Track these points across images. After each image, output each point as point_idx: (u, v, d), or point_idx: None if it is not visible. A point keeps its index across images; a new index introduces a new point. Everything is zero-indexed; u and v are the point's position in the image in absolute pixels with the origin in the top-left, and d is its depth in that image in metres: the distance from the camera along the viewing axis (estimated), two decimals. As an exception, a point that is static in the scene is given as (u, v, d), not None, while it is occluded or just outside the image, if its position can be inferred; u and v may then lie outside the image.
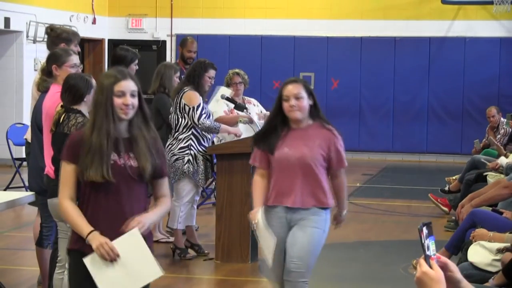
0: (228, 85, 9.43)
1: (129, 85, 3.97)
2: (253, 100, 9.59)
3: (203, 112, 7.79)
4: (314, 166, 5.16)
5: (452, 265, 2.49)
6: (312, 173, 5.15)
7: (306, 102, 5.16)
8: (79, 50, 6.60)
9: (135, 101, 3.96)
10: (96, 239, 3.84)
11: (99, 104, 3.95)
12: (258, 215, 5.13)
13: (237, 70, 9.52)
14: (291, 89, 5.16)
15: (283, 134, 5.18)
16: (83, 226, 3.89)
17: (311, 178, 5.16)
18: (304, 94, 5.16)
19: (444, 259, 2.49)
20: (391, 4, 17.34)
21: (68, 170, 3.96)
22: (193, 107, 7.77)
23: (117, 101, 3.92)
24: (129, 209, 3.94)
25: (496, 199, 7.48)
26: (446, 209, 10.60)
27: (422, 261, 2.45)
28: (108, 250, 3.82)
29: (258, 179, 5.27)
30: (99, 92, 4.00)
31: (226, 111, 9.23)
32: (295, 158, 5.13)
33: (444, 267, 2.46)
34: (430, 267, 2.44)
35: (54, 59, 6.01)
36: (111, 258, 3.81)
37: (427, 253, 2.47)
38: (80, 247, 3.92)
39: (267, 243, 5.13)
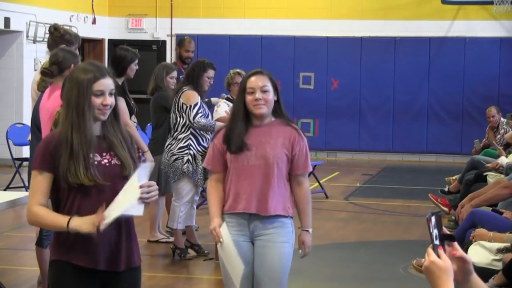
0: (229, 85, 9.43)
1: (109, 84, 3.70)
2: None
3: (200, 111, 7.79)
4: (278, 167, 4.60)
5: (467, 257, 2.51)
6: (274, 174, 4.60)
7: (272, 96, 4.62)
8: (78, 53, 6.64)
9: (113, 100, 3.72)
10: (79, 223, 3.57)
11: (74, 102, 3.67)
12: (223, 234, 4.63)
13: (238, 70, 9.53)
14: (256, 81, 4.62)
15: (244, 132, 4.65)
16: (60, 218, 3.62)
17: (274, 180, 4.60)
18: (270, 87, 4.63)
19: (460, 253, 2.51)
20: (391, 4, 17.35)
21: (40, 180, 3.67)
22: (190, 106, 7.78)
23: (96, 101, 3.67)
24: None
25: (496, 199, 7.48)
26: (446, 209, 10.60)
27: (430, 250, 2.47)
28: (95, 221, 3.56)
29: (214, 184, 4.72)
30: (74, 88, 3.69)
31: (227, 111, 9.23)
32: (256, 158, 4.59)
33: (462, 260, 2.49)
34: (438, 256, 2.46)
35: (72, 59, 6.07)
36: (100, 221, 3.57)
37: (435, 242, 2.47)
38: (69, 258, 3.68)
39: (234, 270, 4.62)
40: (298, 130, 4.70)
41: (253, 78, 4.64)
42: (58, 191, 3.70)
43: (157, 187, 3.74)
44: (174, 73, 8.75)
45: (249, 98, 4.61)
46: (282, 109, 4.71)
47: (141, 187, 3.65)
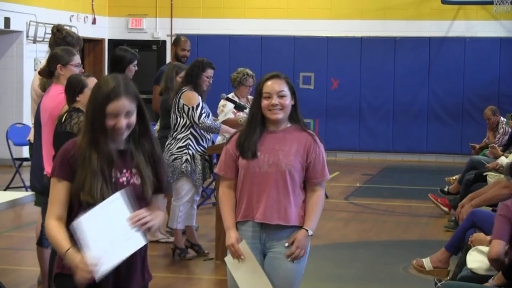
0: (239, 83, 9.34)
1: (124, 105, 3.45)
2: None
3: (203, 111, 7.79)
4: (290, 175, 4.40)
5: None
6: (287, 183, 4.40)
7: (289, 101, 4.48)
8: (75, 53, 6.62)
9: (131, 120, 3.48)
10: (72, 259, 3.38)
11: (89, 119, 3.50)
12: (245, 251, 4.38)
13: (250, 72, 9.44)
14: (273, 85, 4.47)
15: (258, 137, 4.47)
16: (61, 244, 3.43)
17: (287, 189, 4.40)
18: (287, 91, 4.48)
19: None
20: (391, 4, 17.35)
21: (58, 188, 3.49)
22: (193, 107, 7.77)
23: (110, 122, 3.45)
24: None
25: (496, 199, 7.47)
26: (446, 209, 10.60)
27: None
28: (85, 270, 3.33)
29: (226, 191, 4.51)
30: (91, 103, 3.51)
31: (234, 111, 9.20)
32: (268, 165, 4.40)
33: None
34: None
35: (58, 59, 6.03)
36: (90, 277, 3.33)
37: None
38: (72, 272, 3.41)
39: None
40: (314, 136, 4.49)
41: (269, 82, 4.48)
42: (69, 206, 3.51)
43: (146, 213, 3.47)
44: (183, 73, 8.73)
45: (265, 103, 4.44)
46: (298, 114, 4.54)
47: (130, 220, 3.42)
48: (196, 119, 7.75)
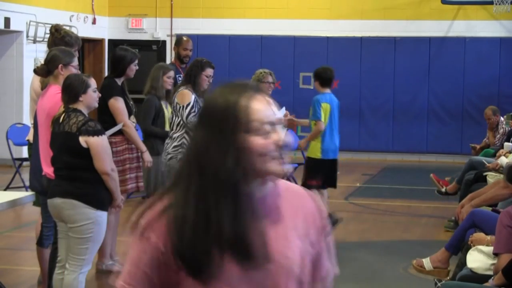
0: (259, 83, 9.37)
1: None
2: None
3: (192, 110, 7.79)
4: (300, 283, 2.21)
5: None
6: None
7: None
8: (78, 55, 6.62)
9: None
10: None
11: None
12: None
13: (267, 70, 9.51)
14: (267, 107, 2.21)
15: None
16: None
17: None
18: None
19: None
20: (391, 4, 17.35)
21: None
22: (183, 106, 7.79)
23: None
24: None
25: (496, 199, 7.48)
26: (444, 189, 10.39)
27: None
28: None
29: None
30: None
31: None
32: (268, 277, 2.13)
33: None
34: None
35: (60, 59, 6.04)
36: None
37: None
38: None
39: None
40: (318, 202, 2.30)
41: (258, 103, 2.20)
42: None
43: None
44: (171, 73, 8.73)
45: (260, 142, 2.12)
46: None
47: None
48: (184, 118, 7.77)
